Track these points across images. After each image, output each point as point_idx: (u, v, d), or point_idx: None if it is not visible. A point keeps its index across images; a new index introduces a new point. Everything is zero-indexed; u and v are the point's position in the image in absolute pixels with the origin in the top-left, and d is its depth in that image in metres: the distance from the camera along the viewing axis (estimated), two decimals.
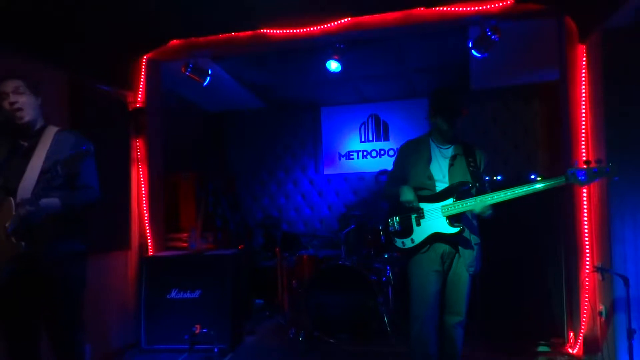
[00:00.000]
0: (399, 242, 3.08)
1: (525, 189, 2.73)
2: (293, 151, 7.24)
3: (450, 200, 2.90)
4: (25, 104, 2.65)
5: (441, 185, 2.97)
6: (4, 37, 3.29)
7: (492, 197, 2.79)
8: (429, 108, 3.09)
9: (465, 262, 2.94)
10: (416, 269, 3.02)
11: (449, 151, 3.04)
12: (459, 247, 2.95)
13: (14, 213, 2.50)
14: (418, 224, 2.99)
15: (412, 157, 3.11)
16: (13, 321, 2.66)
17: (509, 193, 2.75)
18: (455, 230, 2.88)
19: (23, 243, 2.49)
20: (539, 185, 2.71)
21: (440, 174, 2.99)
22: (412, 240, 3.00)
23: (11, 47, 3.37)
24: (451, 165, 3.00)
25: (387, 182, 3.31)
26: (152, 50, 4.69)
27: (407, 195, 2.95)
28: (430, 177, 2.99)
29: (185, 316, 4.27)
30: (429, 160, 3.03)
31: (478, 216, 3.00)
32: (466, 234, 2.93)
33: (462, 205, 2.86)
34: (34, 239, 2.53)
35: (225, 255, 4.52)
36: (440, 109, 2.99)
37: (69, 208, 2.64)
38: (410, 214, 3.01)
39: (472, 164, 2.97)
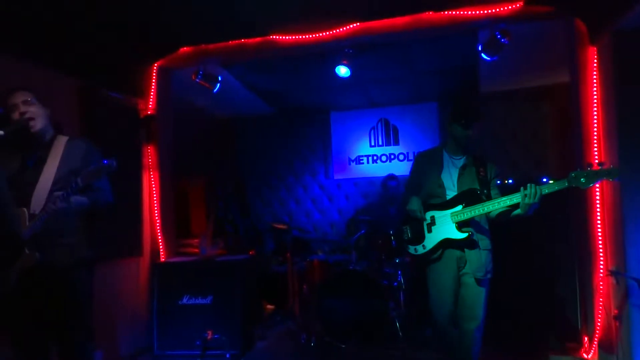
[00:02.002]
0: (411, 249, 3.21)
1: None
2: (303, 156, 7.25)
3: (459, 207, 2.99)
4: (35, 114, 2.67)
5: (451, 193, 3.07)
6: (17, 46, 3.34)
7: (498, 202, 2.86)
8: (448, 117, 3.15)
9: (475, 267, 2.99)
10: (432, 275, 3.13)
11: (461, 161, 3.14)
12: (468, 252, 3.01)
13: (27, 223, 2.52)
14: (429, 231, 3.11)
15: (425, 167, 3.24)
16: (23, 330, 2.65)
17: (514, 200, 2.79)
18: (463, 235, 2.97)
19: (37, 254, 2.50)
20: (543, 191, 2.71)
21: (451, 183, 3.09)
22: (424, 247, 3.11)
23: (24, 56, 3.41)
24: (461, 174, 3.09)
25: (404, 191, 3.42)
26: (162, 57, 4.73)
27: (412, 204, 3.12)
28: (441, 186, 3.10)
29: (197, 322, 4.28)
30: (441, 170, 3.14)
31: (491, 221, 3.10)
32: (476, 238, 3.01)
33: (470, 211, 2.94)
34: (48, 248, 2.56)
35: (236, 260, 4.53)
36: (456, 115, 3.06)
37: (94, 206, 2.74)
38: (422, 222, 3.12)
39: (481, 173, 3.06)
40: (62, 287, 2.65)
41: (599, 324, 3.71)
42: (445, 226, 3.03)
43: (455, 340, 3.08)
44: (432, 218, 3.10)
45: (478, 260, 2.99)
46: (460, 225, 2.98)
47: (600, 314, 3.69)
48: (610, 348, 3.59)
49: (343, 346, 4.36)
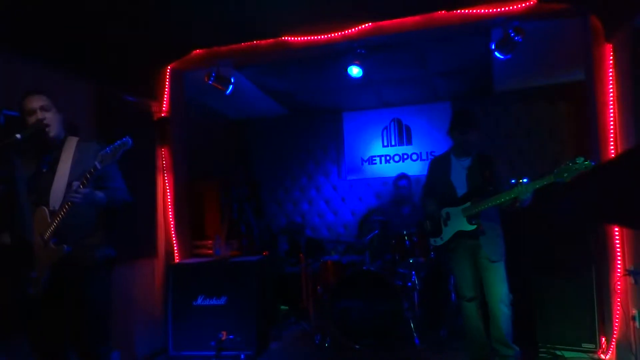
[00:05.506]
0: (432, 241, 3.80)
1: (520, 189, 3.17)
2: (316, 157, 7.24)
3: (468, 203, 3.48)
4: (52, 120, 2.73)
5: (462, 191, 3.57)
6: (34, 51, 3.39)
7: (499, 198, 3.25)
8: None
9: (490, 252, 3.48)
10: (452, 263, 3.72)
11: (467, 162, 3.62)
12: (482, 240, 3.49)
13: (49, 220, 2.58)
14: (445, 225, 3.65)
15: (437, 171, 3.80)
16: (42, 332, 2.68)
17: (512, 194, 3.17)
18: (472, 227, 3.47)
19: (65, 246, 2.56)
20: (535, 186, 3.11)
21: (460, 183, 3.59)
22: (442, 238, 3.68)
23: (41, 60, 3.46)
24: (468, 174, 3.57)
25: (422, 193, 4.05)
26: (175, 60, 4.77)
27: (429, 208, 3.79)
28: (451, 186, 3.61)
29: (211, 322, 4.31)
30: (449, 172, 3.65)
31: (500, 211, 3.54)
32: (486, 227, 3.47)
33: (477, 206, 3.40)
34: (74, 242, 2.61)
35: (250, 261, 4.55)
36: (453, 123, 3.66)
37: (112, 203, 2.75)
38: (439, 218, 3.67)
39: (487, 171, 3.48)
40: (81, 287, 2.68)
41: (616, 324, 3.66)
42: (457, 220, 3.54)
43: (474, 319, 3.61)
44: (447, 214, 3.63)
45: (489, 245, 3.49)
46: (470, 219, 3.46)
47: (617, 314, 3.65)
48: (629, 349, 3.54)
49: (357, 347, 4.35)
